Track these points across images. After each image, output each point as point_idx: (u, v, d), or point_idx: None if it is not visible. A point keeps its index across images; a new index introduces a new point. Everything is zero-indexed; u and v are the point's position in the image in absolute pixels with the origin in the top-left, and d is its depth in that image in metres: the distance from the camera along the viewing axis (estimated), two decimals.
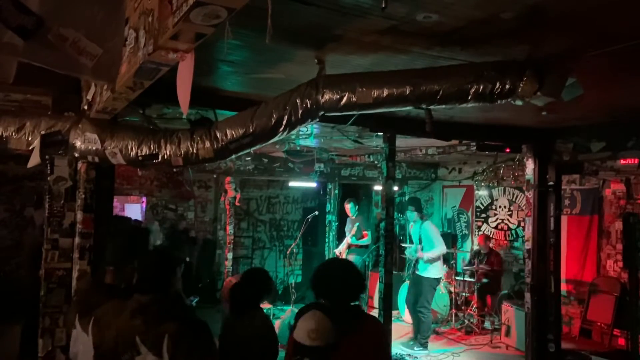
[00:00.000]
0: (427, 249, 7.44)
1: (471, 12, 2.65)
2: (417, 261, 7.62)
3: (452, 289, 8.47)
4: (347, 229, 9.25)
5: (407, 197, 11.18)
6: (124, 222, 5.83)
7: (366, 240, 8.93)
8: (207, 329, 2.41)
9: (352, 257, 8.80)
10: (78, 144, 3.82)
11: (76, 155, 3.91)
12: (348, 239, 8.95)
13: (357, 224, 8.87)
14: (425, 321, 7.33)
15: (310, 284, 2.75)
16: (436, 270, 7.46)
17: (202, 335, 2.37)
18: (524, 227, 8.73)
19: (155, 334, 2.31)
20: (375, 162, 9.30)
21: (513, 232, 9.55)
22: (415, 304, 7.48)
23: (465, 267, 8.83)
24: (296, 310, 3.34)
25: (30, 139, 3.85)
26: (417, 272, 7.65)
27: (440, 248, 7.41)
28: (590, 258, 8.21)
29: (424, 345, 7.23)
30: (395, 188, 6.33)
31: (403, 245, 9.82)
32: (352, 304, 2.66)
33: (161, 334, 2.29)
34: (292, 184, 10.35)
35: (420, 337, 7.27)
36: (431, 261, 7.39)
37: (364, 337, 2.54)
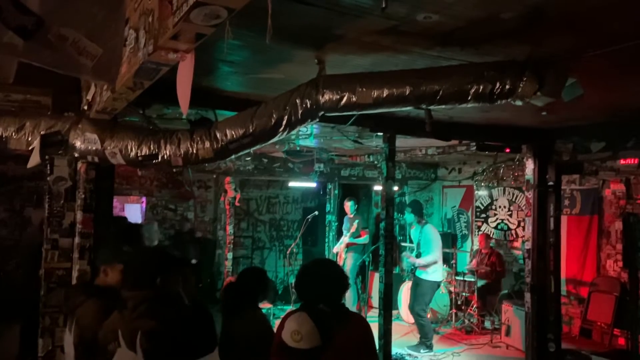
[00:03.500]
0: (425, 253, 7.48)
1: (471, 12, 2.65)
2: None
3: (452, 289, 8.46)
4: (344, 227, 9.24)
5: (407, 197, 11.19)
6: (119, 222, 5.83)
7: (364, 239, 8.91)
8: (188, 329, 2.41)
9: (350, 257, 8.79)
10: (78, 144, 3.82)
11: (76, 155, 3.91)
12: (346, 238, 8.93)
13: (358, 220, 8.85)
14: (424, 324, 7.33)
15: (295, 287, 2.75)
16: (435, 274, 7.45)
17: (180, 336, 2.36)
18: (523, 227, 8.74)
19: (130, 329, 2.34)
20: (375, 162, 9.30)
21: (513, 232, 9.55)
22: (413, 307, 7.49)
23: (467, 268, 8.84)
24: None
25: (30, 139, 3.85)
26: (415, 274, 7.66)
27: (434, 255, 7.40)
28: (590, 258, 8.22)
29: (430, 347, 7.24)
30: (395, 188, 6.32)
31: (403, 244, 9.83)
32: (337, 303, 2.66)
33: (135, 330, 2.32)
34: (292, 184, 10.34)
35: (424, 339, 7.28)
36: (424, 267, 7.40)
37: (352, 337, 2.55)
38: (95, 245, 4.30)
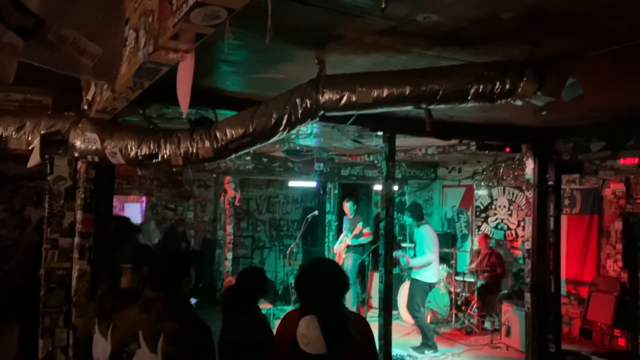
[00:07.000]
0: (418, 254, 7.49)
1: (471, 12, 2.65)
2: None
3: (452, 289, 8.47)
4: (344, 227, 9.23)
5: (407, 197, 11.20)
6: (122, 222, 5.82)
7: (367, 238, 8.90)
8: (207, 331, 2.42)
9: (349, 257, 8.79)
10: (78, 143, 3.82)
11: (76, 155, 3.91)
12: (348, 240, 8.92)
13: (361, 222, 8.84)
14: (421, 325, 7.33)
15: (294, 287, 2.73)
16: (429, 275, 7.41)
17: (202, 338, 2.37)
18: (523, 227, 8.74)
19: (153, 330, 2.34)
20: (375, 161, 9.31)
21: (513, 231, 9.56)
22: (408, 307, 7.50)
23: (467, 268, 8.84)
24: None
25: (30, 138, 3.84)
26: (410, 275, 7.66)
27: (428, 256, 7.35)
28: (590, 258, 8.22)
29: (433, 347, 7.23)
30: (395, 188, 6.32)
31: (403, 245, 9.83)
32: (338, 303, 2.65)
33: (158, 332, 2.31)
34: (291, 183, 10.35)
35: (425, 340, 7.27)
36: (419, 268, 7.39)
37: (357, 339, 2.54)
38: (96, 245, 4.30)
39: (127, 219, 5.73)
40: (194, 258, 2.77)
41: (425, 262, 7.36)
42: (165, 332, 2.30)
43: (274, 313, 8.10)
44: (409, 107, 3.38)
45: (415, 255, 7.65)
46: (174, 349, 2.28)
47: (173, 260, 2.66)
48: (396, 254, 8.06)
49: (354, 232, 8.78)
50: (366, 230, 8.81)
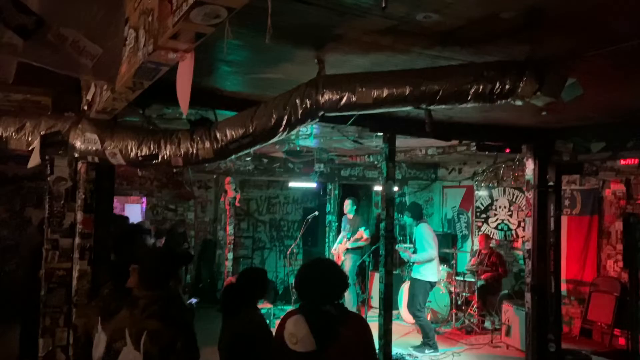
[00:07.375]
0: (419, 251, 7.50)
1: (471, 12, 2.65)
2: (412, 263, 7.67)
3: (452, 289, 8.46)
4: (343, 228, 9.21)
5: (407, 198, 11.19)
6: (122, 221, 5.83)
7: (364, 242, 8.89)
8: (191, 333, 2.44)
9: (349, 258, 8.78)
10: (78, 144, 3.82)
11: (76, 155, 3.91)
12: (347, 244, 8.89)
13: (362, 227, 8.86)
14: (423, 324, 7.33)
15: (295, 287, 2.75)
16: (429, 273, 7.40)
17: (184, 339, 2.38)
18: (524, 228, 8.74)
19: (137, 328, 2.36)
20: (375, 162, 9.30)
21: (513, 232, 9.55)
22: (409, 307, 7.51)
23: (467, 268, 8.83)
24: None
25: (30, 139, 3.84)
26: (411, 274, 7.67)
27: (429, 253, 7.36)
28: (590, 258, 8.22)
29: (434, 347, 7.23)
30: (395, 188, 6.31)
31: (404, 245, 9.82)
32: (336, 303, 2.66)
33: (141, 330, 2.33)
34: (292, 184, 10.35)
35: (426, 339, 7.27)
36: (421, 264, 7.41)
37: (351, 337, 2.55)
38: (96, 246, 4.30)
39: (137, 224, 5.73)
40: (183, 260, 2.77)
41: (427, 258, 7.36)
42: (147, 330, 2.32)
43: (274, 313, 8.10)
44: (409, 108, 3.38)
45: (415, 252, 7.65)
46: (155, 347, 2.29)
47: (160, 260, 2.67)
48: (398, 246, 8.09)
49: (355, 236, 8.78)
50: (365, 236, 8.79)
